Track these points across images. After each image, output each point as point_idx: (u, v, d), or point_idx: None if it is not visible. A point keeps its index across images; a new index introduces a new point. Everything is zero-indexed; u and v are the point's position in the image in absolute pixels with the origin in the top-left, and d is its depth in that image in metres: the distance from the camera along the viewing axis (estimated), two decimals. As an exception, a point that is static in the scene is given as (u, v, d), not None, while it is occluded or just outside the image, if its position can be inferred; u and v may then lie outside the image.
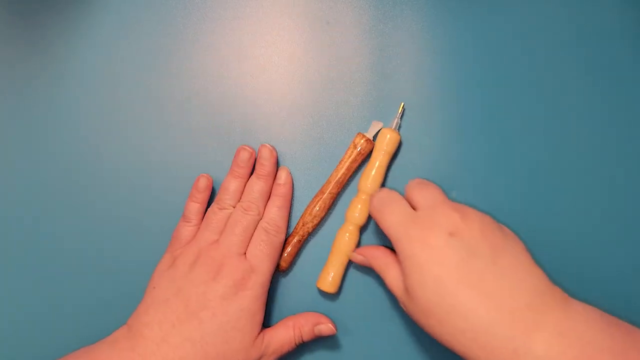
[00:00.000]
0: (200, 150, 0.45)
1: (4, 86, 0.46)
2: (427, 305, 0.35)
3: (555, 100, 0.44)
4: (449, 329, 0.35)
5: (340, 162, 0.43)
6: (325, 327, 0.42)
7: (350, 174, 0.43)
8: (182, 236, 0.43)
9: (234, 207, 0.43)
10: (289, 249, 0.43)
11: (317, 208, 0.43)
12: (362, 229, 0.44)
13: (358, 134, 0.43)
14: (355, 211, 0.42)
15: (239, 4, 0.46)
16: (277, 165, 0.44)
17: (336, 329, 0.42)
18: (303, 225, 0.43)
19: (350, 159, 0.43)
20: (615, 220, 0.43)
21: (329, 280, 0.42)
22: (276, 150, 0.44)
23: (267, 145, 0.44)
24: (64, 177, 0.45)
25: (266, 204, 0.43)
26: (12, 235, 0.45)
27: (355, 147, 0.43)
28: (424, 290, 0.35)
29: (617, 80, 0.45)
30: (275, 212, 0.42)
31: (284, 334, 0.41)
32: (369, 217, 0.43)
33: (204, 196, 0.44)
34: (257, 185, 0.43)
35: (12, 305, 0.45)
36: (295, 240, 0.43)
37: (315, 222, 0.43)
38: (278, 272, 0.44)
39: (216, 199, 0.44)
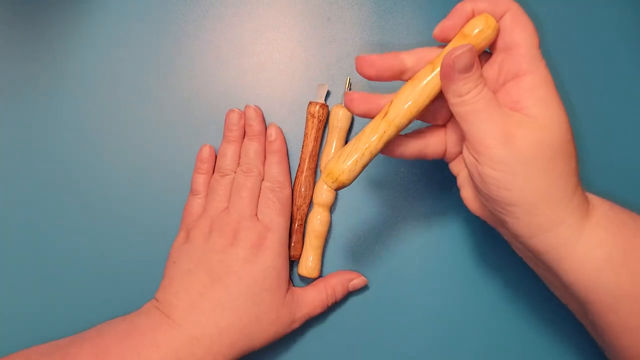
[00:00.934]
0: (201, 149, 0.45)
1: (4, 86, 0.46)
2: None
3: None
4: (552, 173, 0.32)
5: (305, 136, 0.44)
6: (359, 281, 0.43)
7: (319, 143, 0.44)
8: (193, 209, 0.43)
9: (235, 172, 0.43)
10: (294, 236, 0.43)
11: (303, 189, 0.43)
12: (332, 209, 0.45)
13: (310, 102, 0.44)
14: (322, 193, 0.43)
15: (240, 1, 0.46)
16: (265, 123, 0.45)
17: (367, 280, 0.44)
18: (298, 210, 0.43)
19: (314, 130, 0.44)
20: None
21: (309, 265, 0.43)
22: (261, 109, 0.44)
23: (251, 105, 0.44)
24: (64, 177, 0.45)
25: (264, 162, 0.43)
26: (11, 235, 0.45)
27: (313, 116, 0.44)
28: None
29: (617, 80, 0.45)
30: (274, 169, 0.43)
31: (315, 296, 0.42)
32: (337, 196, 0.44)
33: (208, 166, 0.44)
34: (250, 146, 0.43)
35: (12, 305, 0.44)
36: (296, 226, 0.43)
37: (307, 201, 0.44)
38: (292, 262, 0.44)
39: (216, 167, 0.44)
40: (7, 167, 0.45)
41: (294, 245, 0.43)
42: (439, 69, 0.33)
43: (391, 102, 0.34)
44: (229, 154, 0.44)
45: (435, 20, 0.45)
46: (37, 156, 0.45)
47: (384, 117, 0.34)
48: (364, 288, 0.44)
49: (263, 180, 0.43)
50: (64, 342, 0.39)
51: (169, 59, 0.46)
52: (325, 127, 0.45)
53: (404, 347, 0.44)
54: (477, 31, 0.33)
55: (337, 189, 0.34)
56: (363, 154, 0.34)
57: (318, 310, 0.42)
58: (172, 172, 0.45)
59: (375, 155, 0.34)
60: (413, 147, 0.37)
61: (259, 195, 0.42)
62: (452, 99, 0.33)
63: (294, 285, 0.43)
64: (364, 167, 0.34)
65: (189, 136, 0.45)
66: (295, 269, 0.44)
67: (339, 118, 0.43)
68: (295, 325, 0.41)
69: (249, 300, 0.39)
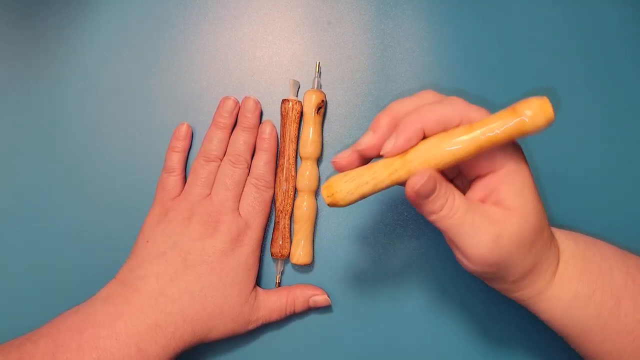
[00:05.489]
0: (201, 150, 0.45)
1: (4, 86, 0.46)
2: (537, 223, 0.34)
3: (554, 100, 0.44)
4: (535, 248, 0.34)
5: (280, 135, 0.44)
6: (321, 299, 0.43)
7: (294, 139, 0.44)
8: (168, 188, 0.43)
9: (220, 159, 0.43)
10: (281, 235, 0.43)
11: (285, 187, 0.43)
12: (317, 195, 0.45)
13: (282, 100, 0.44)
14: (305, 179, 0.43)
15: (240, 4, 0.46)
16: (261, 118, 0.45)
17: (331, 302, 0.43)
18: (282, 209, 0.43)
19: (282, 128, 0.44)
20: (615, 221, 0.44)
21: (300, 253, 0.43)
22: (260, 103, 0.44)
23: (252, 97, 0.44)
24: (64, 177, 0.45)
25: (252, 157, 0.43)
26: (10, 234, 0.45)
27: (281, 114, 0.44)
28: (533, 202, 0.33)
29: (617, 80, 0.45)
30: (262, 168, 0.43)
31: (275, 301, 0.42)
32: (319, 181, 0.44)
33: (184, 145, 0.44)
34: (242, 137, 0.43)
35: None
36: (282, 225, 0.43)
37: (291, 198, 0.44)
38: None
39: (201, 150, 0.44)
40: (7, 167, 0.45)
41: (282, 244, 0.43)
42: (476, 133, 0.31)
43: (416, 145, 0.32)
44: (215, 139, 0.43)
45: (435, 23, 0.46)
46: (37, 156, 0.45)
47: (402, 156, 0.32)
48: (360, 281, 0.44)
49: (249, 175, 0.43)
50: (20, 340, 0.37)
51: (169, 61, 0.46)
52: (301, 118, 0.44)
53: (398, 339, 0.44)
54: (528, 114, 0.31)
55: (330, 205, 0.33)
56: (367, 183, 0.32)
57: (275, 317, 0.42)
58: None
59: (379, 190, 0.33)
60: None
61: (243, 189, 0.42)
62: (429, 217, 0.33)
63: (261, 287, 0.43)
64: (363, 196, 0.33)
65: (189, 137, 0.45)
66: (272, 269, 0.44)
67: (312, 103, 0.43)
68: (252, 326, 0.41)
69: (218, 292, 0.39)
